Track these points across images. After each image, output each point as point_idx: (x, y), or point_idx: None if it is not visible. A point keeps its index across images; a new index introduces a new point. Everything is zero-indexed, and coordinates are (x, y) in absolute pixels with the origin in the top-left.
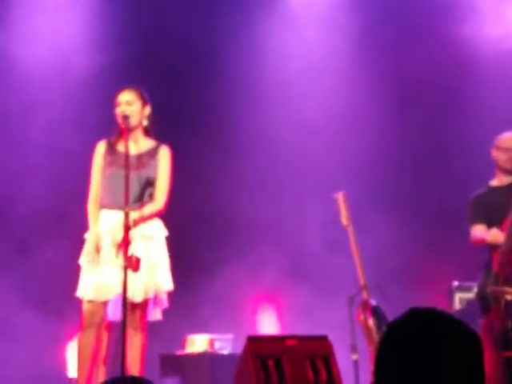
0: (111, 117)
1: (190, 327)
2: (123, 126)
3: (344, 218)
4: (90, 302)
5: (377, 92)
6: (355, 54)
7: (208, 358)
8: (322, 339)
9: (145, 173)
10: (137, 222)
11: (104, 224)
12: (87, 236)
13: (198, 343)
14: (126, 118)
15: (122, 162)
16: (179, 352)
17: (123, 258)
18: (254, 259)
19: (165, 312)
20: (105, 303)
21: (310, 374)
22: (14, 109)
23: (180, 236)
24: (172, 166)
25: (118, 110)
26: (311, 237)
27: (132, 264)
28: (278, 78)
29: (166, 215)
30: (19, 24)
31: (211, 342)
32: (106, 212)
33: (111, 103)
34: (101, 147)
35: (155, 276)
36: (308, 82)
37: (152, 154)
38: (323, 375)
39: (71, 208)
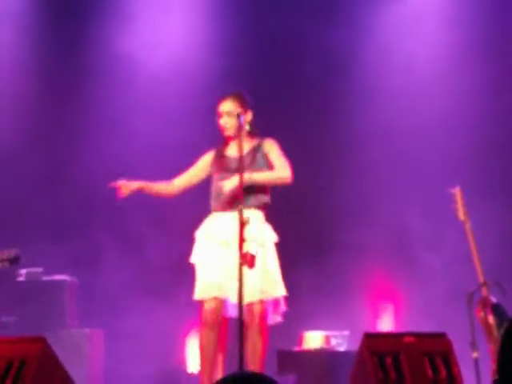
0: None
1: (306, 324)
2: (227, 135)
3: (461, 214)
4: (209, 300)
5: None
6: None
7: (324, 355)
8: (441, 336)
9: (254, 169)
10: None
11: (216, 225)
12: (198, 234)
13: (314, 340)
14: (228, 129)
15: (230, 165)
16: (296, 348)
17: (239, 255)
18: (369, 254)
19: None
20: (223, 301)
21: (429, 372)
22: (132, 108)
23: (290, 231)
24: (282, 150)
25: (221, 122)
26: (427, 232)
27: (247, 260)
28: (391, 70)
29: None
30: (142, 30)
31: (327, 339)
32: (218, 214)
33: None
34: (208, 156)
35: (270, 281)
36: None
37: (257, 149)
38: (443, 373)
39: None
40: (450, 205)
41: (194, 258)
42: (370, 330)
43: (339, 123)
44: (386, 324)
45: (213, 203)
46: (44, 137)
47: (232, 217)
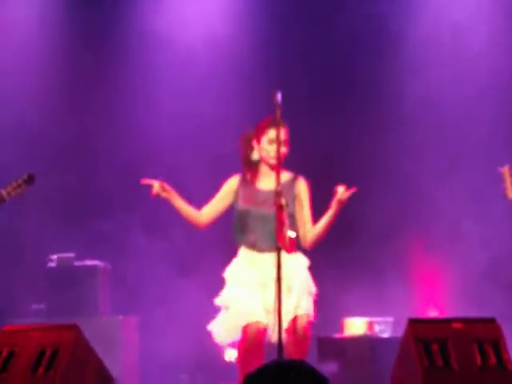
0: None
1: (347, 310)
2: (272, 164)
3: (510, 193)
4: (252, 323)
5: None
6: None
7: (367, 342)
8: (490, 322)
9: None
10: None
11: (251, 266)
12: (228, 276)
13: (356, 326)
14: (274, 159)
15: (260, 200)
16: (337, 335)
17: (276, 238)
18: (408, 234)
19: (321, 294)
20: (266, 327)
21: (478, 359)
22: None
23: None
24: (311, 198)
25: (280, 150)
26: (472, 209)
27: (285, 244)
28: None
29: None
30: (174, 8)
31: (370, 325)
32: (252, 254)
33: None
34: (233, 181)
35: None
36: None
37: (289, 186)
38: (492, 360)
39: None
40: (497, 182)
41: (222, 300)
42: (415, 316)
43: (384, 98)
44: (431, 310)
45: (242, 238)
46: (74, 114)
47: (269, 258)
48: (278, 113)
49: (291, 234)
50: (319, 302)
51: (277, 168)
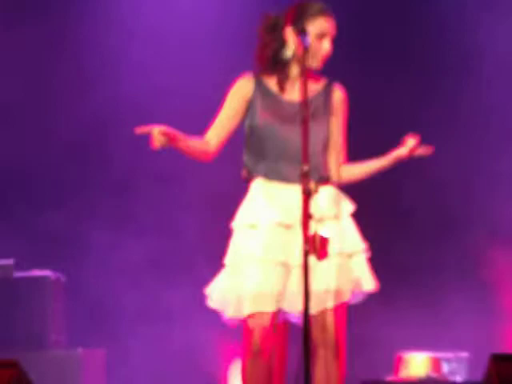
0: None
1: (401, 342)
2: (313, 67)
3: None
4: (257, 315)
5: None
6: None
7: None
8: None
9: (317, 126)
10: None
11: (273, 200)
12: (235, 225)
13: (416, 364)
14: (325, 58)
15: (288, 115)
16: (389, 377)
17: (303, 239)
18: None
19: (367, 320)
20: (276, 313)
21: None
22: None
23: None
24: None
25: (320, 47)
26: None
27: (316, 247)
28: None
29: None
30: None
31: (436, 364)
32: (273, 185)
33: None
34: (245, 87)
35: (350, 270)
36: None
37: (322, 97)
38: None
39: None
40: None
41: (234, 256)
42: (498, 349)
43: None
44: None
45: (259, 166)
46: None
47: (298, 191)
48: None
49: (324, 232)
50: (365, 329)
51: (305, 123)
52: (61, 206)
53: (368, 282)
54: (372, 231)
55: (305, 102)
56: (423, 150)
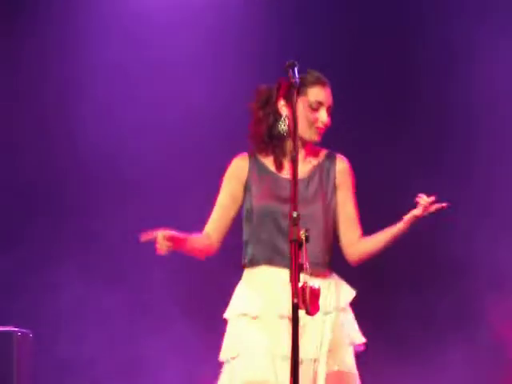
0: None
1: None
2: (310, 140)
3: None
4: None
5: None
6: None
7: None
8: None
9: (325, 203)
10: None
11: (270, 290)
12: (236, 308)
13: None
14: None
15: (286, 194)
16: None
17: (291, 292)
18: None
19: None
20: None
21: None
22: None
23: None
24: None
25: (317, 118)
26: None
27: (306, 300)
28: None
29: None
30: None
31: None
32: (271, 271)
33: None
34: (241, 166)
35: (343, 328)
36: None
37: (326, 170)
38: None
39: None
40: None
41: (225, 351)
42: None
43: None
44: None
45: (256, 251)
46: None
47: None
48: (295, 97)
49: (314, 282)
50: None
51: (293, 170)
52: (20, 248)
53: (360, 336)
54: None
55: (294, 139)
56: (438, 206)
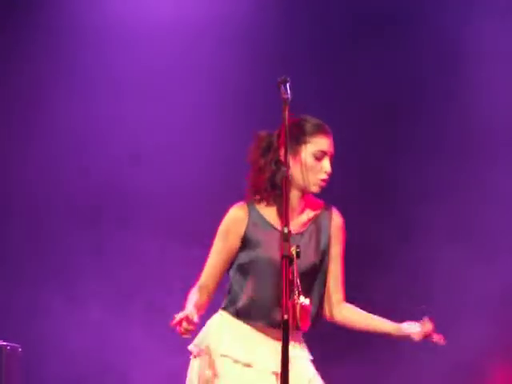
0: None
1: None
2: (312, 191)
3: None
4: None
5: None
6: None
7: None
8: None
9: (311, 259)
10: None
11: (257, 347)
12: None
13: None
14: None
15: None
16: None
17: (280, 306)
18: None
19: None
20: None
21: None
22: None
23: None
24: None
25: (321, 167)
26: None
27: (296, 316)
28: None
29: None
30: None
31: None
32: (257, 335)
33: None
34: (239, 217)
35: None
36: None
37: (324, 224)
38: None
39: None
40: None
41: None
42: None
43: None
44: None
45: (248, 310)
46: None
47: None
48: (286, 113)
49: (304, 300)
50: None
51: (285, 195)
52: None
53: None
54: None
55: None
56: (436, 338)
